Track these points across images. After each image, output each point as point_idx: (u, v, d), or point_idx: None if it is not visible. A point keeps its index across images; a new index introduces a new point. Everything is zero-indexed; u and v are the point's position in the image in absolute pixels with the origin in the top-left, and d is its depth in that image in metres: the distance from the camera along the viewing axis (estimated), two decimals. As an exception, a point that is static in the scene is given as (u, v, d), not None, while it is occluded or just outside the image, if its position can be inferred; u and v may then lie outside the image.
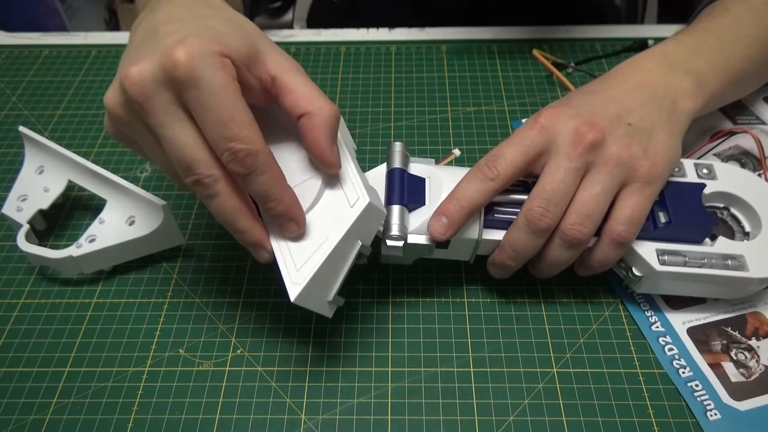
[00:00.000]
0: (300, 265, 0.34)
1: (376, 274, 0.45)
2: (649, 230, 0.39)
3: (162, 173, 0.52)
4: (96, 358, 0.41)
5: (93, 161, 0.46)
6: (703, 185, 0.41)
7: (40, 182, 0.47)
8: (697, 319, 0.41)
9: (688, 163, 0.42)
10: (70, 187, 0.47)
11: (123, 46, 0.66)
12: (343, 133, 0.39)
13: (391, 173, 0.40)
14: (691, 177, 0.42)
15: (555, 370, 0.39)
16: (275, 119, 0.38)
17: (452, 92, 0.59)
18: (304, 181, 0.36)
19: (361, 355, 0.40)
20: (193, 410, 0.38)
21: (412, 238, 0.38)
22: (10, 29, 0.69)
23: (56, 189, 0.47)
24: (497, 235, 0.39)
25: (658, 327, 0.41)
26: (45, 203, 0.46)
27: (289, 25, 0.88)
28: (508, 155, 0.38)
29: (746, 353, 0.40)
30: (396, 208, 0.38)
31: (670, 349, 0.40)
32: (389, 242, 0.37)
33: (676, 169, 0.42)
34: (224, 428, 0.37)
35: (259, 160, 0.32)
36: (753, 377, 0.38)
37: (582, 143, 0.37)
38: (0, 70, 0.63)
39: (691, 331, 0.41)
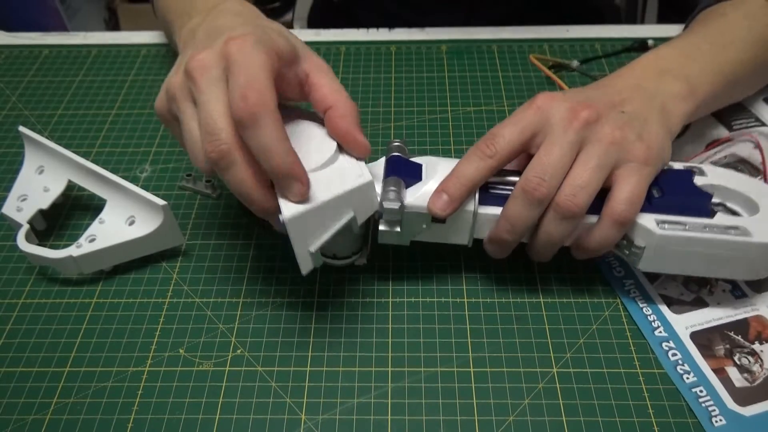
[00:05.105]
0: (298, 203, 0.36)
1: (376, 274, 0.45)
2: (647, 205, 0.39)
3: (162, 173, 0.52)
4: (96, 358, 0.41)
5: (93, 161, 0.46)
6: (693, 171, 0.41)
7: (40, 182, 0.47)
8: (699, 323, 0.41)
9: (677, 165, 0.42)
10: (70, 187, 0.47)
11: (123, 46, 0.67)
12: None
13: (388, 160, 0.41)
14: None
15: (555, 370, 0.39)
16: (297, 117, 0.41)
17: (452, 92, 0.59)
18: (317, 168, 0.37)
19: (361, 355, 0.40)
20: (193, 410, 0.38)
21: (410, 206, 0.39)
22: (10, 29, 0.69)
23: (56, 189, 0.47)
24: (494, 210, 0.39)
25: (661, 332, 0.41)
26: (45, 203, 0.46)
27: (289, 25, 0.88)
28: (506, 134, 0.39)
29: (750, 357, 0.39)
30: (393, 179, 0.39)
31: (674, 354, 0.40)
32: (386, 204, 0.38)
33: (665, 167, 0.41)
34: (224, 428, 0.37)
35: (266, 110, 0.33)
36: (757, 382, 0.38)
37: (577, 119, 0.38)
38: (0, 70, 0.63)
39: (694, 336, 0.41)
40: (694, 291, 0.43)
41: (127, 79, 0.62)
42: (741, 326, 0.41)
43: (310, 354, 0.41)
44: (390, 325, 0.42)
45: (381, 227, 0.39)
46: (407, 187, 0.40)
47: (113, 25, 1.68)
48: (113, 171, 0.45)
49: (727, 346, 0.40)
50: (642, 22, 0.87)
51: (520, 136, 0.39)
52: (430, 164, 0.41)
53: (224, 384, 0.39)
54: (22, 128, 0.48)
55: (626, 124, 0.39)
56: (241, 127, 0.34)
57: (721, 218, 0.39)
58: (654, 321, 0.41)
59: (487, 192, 0.40)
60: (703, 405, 0.37)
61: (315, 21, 0.89)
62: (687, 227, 0.38)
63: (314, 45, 0.65)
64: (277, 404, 0.38)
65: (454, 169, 0.39)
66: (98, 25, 1.63)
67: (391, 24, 0.68)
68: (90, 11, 1.59)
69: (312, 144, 0.39)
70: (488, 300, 0.43)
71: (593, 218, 0.39)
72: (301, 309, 0.43)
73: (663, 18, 0.79)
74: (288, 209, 0.35)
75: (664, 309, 0.42)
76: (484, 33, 0.66)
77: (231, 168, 0.35)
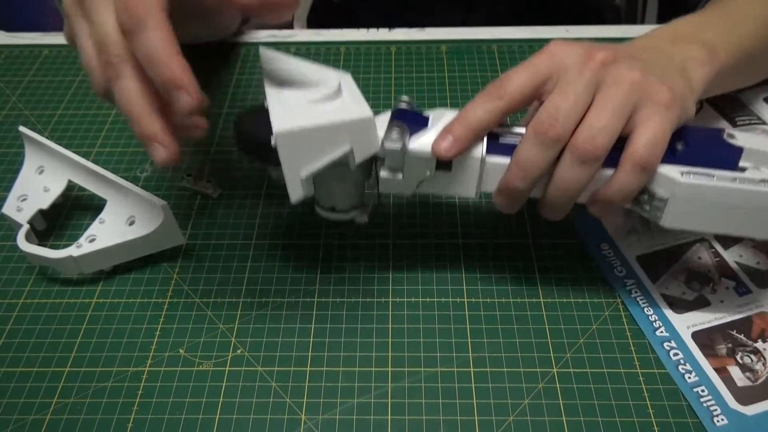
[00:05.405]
0: (293, 119, 0.35)
1: (376, 274, 0.45)
2: (671, 157, 0.36)
3: (162, 173, 0.52)
4: (96, 358, 0.41)
5: (93, 161, 0.46)
6: (722, 129, 0.38)
7: (40, 182, 0.47)
8: (701, 322, 0.41)
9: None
10: (70, 187, 0.47)
11: (123, 46, 0.67)
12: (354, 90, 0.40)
13: (394, 112, 0.39)
14: None
15: (555, 370, 0.39)
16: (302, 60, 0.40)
17: (452, 92, 0.59)
18: (316, 101, 0.37)
19: (361, 355, 0.40)
20: (193, 410, 0.38)
21: (413, 150, 0.37)
22: (10, 29, 0.69)
23: (56, 189, 0.47)
24: (503, 160, 0.37)
25: (662, 332, 0.41)
26: (45, 203, 0.46)
27: (290, 25, 0.88)
28: (516, 77, 0.37)
29: (752, 356, 0.39)
30: (397, 122, 0.38)
31: (675, 354, 0.40)
32: (388, 144, 0.37)
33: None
34: (224, 428, 0.37)
35: (150, 14, 0.32)
36: (759, 381, 0.38)
37: (592, 59, 0.36)
38: (0, 70, 0.63)
39: (696, 336, 0.40)
40: (697, 290, 0.43)
41: (127, 79, 0.62)
42: (744, 324, 0.41)
43: (310, 354, 0.41)
44: (390, 325, 0.42)
45: (382, 173, 0.38)
46: (412, 134, 0.38)
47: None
48: (113, 171, 0.45)
49: (729, 345, 0.40)
50: (642, 22, 0.87)
51: (532, 80, 0.36)
52: (437, 115, 0.39)
53: (224, 384, 0.39)
54: (22, 128, 0.48)
55: (646, 69, 0.36)
56: (127, 36, 0.32)
57: (753, 172, 0.36)
58: (655, 321, 0.41)
59: (496, 141, 0.38)
60: (705, 405, 0.37)
61: (315, 21, 0.89)
62: (715, 178, 0.35)
63: (314, 45, 0.65)
64: (277, 404, 0.38)
65: (461, 111, 0.37)
66: (98, 25, 1.63)
67: (391, 24, 0.68)
68: (90, 11, 1.59)
69: (313, 79, 0.38)
70: (488, 300, 0.43)
71: (609, 171, 0.36)
72: (301, 309, 0.43)
73: (663, 18, 0.79)
74: (279, 124, 0.34)
75: (665, 309, 0.42)
76: (484, 33, 0.66)
77: (118, 80, 0.33)
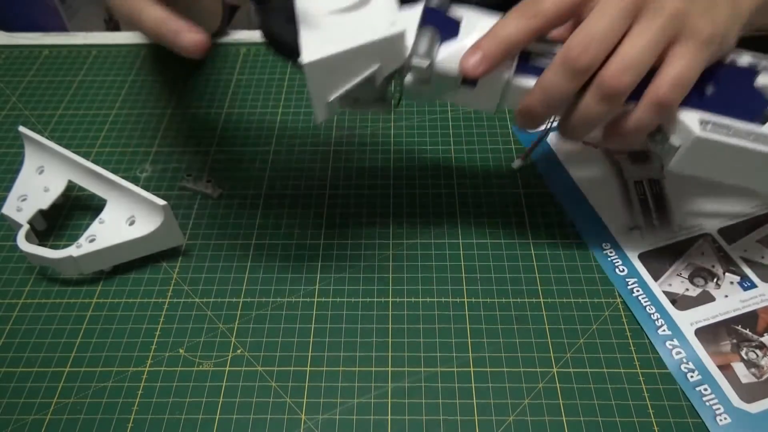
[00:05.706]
0: (321, 43, 0.33)
1: (376, 274, 0.45)
2: (693, 100, 0.35)
3: (162, 173, 0.52)
4: (96, 358, 0.41)
5: (93, 161, 0.46)
6: (755, 71, 0.37)
7: (40, 182, 0.47)
8: (705, 319, 0.41)
9: (744, 56, 0.38)
10: (70, 187, 0.47)
11: (123, 46, 0.67)
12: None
13: (425, 11, 0.38)
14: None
15: (555, 370, 0.39)
16: None
17: (452, 92, 0.59)
18: (345, 9, 0.36)
19: (361, 355, 0.40)
20: (193, 410, 0.38)
21: (441, 64, 0.36)
22: (10, 29, 0.69)
23: (56, 189, 0.47)
24: (530, 82, 0.36)
25: (665, 331, 0.41)
26: (45, 203, 0.46)
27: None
28: None
29: (757, 351, 0.39)
30: (429, 29, 0.36)
31: (678, 353, 0.39)
32: (415, 61, 0.35)
33: (728, 60, 0.37)
34: (224, 428, 0.37)
35: None
36: (765, 377, 0.38)
37: None
38: (0, 70, 0.63)
39: (699, 332, 0.40)
40: (700, 286, 0.43)
41: (127, 79, 0.62)
42: (749, 319, 0.40)
43: (310, 354, 0.41)
44: (390, 325, 0.42)
45: (407, 83, 0.36)
46: (441, 43, 0.36)
47: (113, 25, 1.68)
48: (113, 171, 0.45)
49: (734, 340, 0.40)
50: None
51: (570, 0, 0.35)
52: (469, 21, 0.37)
53: (224, 384, 0.39)
54: (22, 128, 0.48)
55: None
56: None
57: None
58: (658, 320, 0.41)
59: (525, 62, 0.36)
60: (708, 404, 0.37)
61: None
62: (731, 132, 0.34)
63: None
64: (277, 404, 0.38)
65: (493, 27, 0.35)
66: (98, 25, 1.63)
67: None
68: (90, 11, 1.59)
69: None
70: (488, 300, 0.43)
71: (630, 105, 0.35)
72: (301, 309, 0.43)
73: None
74: (309, 53, 0.32)
75: (668, 306, 0.42)
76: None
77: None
